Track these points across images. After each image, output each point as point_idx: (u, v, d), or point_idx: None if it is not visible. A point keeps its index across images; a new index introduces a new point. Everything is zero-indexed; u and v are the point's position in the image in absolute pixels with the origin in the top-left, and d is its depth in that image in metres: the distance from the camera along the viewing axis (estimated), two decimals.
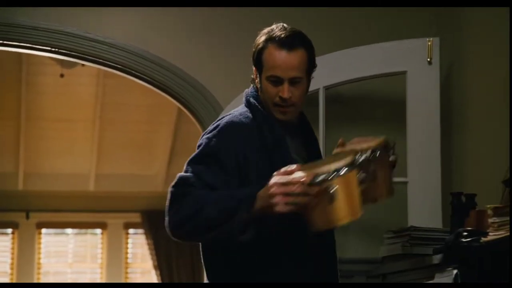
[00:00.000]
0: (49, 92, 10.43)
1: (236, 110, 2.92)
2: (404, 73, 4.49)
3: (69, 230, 12.34)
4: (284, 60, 2.81)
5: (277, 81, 2.82)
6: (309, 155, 2.92)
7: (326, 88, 4.59)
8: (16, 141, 10.92)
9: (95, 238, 12.35)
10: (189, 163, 2.79)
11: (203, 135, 2.90)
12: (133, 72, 4.93)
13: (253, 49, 2.88)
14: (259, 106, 2.86)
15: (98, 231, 12.29)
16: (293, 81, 2.80)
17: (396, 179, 4.44)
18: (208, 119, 4.71)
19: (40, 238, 12.06)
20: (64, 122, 10.86)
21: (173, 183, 2.74)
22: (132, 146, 11.16)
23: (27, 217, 11.82)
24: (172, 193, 2.71)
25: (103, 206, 11.89)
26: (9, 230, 11.96)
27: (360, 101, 4.87)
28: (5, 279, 11.82)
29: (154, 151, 11.33)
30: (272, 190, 2.54)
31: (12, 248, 11.92)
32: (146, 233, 11.98)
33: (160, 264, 11.77)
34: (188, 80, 4.87)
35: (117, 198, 11.88)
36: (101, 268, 12.18)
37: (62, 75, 9.83)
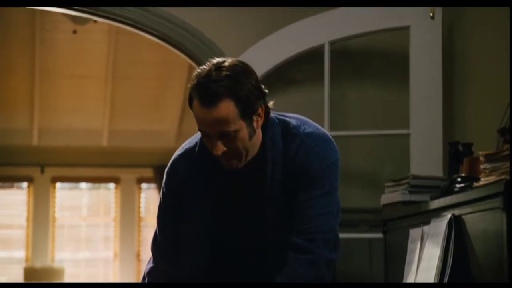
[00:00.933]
0: (62, 49, 10.53)
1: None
2: (407, 28, 4.60)
3: (83, 185, 12.51)
4: (206, 116, 2.52)
5: (208, 136, 2.57)
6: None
7: (331, 42, 4.70)
8: (30, 97, 11.04)
9: (108, 193, 12.52)
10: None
11: None
12: (145, 28, 5.02)
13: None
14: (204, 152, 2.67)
15: (112, 185, 12.46)
16: (224, 134, 2.53)
17: (399, 131, 4.63)
18: None
19: (54, 192, 12.24)
20: (77, 78, 10.97)
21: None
22: (144, 103, 11.26)
23: (42, 171, 11.99)
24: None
25: (116, 161, 12.05)
26: (25, 184, 12.15)
27: (365, 55, 4.97)
28: (21, 232, 12.03)
29: (165, 108, 11.43)
30: None
31: (28, 202, 12.11)
32: (158, 188, 12.14)
33: None
34: (199, 36, 4.98)
35: (129, 154, 12.03)
36: (115, 221, 12.37)
37: (75, 32, 9.93)
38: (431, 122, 4.49)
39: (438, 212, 3.14)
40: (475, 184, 2.90)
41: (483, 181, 2.84)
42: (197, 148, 2.73)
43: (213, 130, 2.53)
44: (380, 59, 4.98)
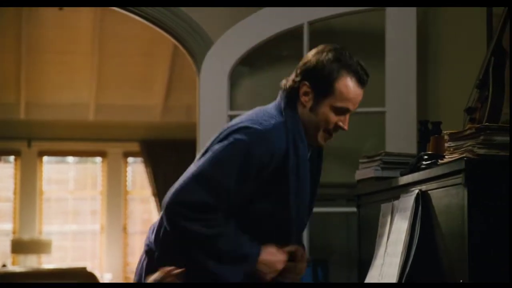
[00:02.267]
0: (48, 25, 10.57)
1: (270, 116, 2.96)
2: (383, 9, 4.74)
3: (70, 158, 12.59)
4: (357, 95, 2.99)
5: (343, 112, 2.98)
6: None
7: (310, 23, 4.84)
8: (17, 72, 11.09)
9: (95, 166, 12.62)
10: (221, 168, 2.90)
11: (234, 131, 2.94)
12: (129, 8, 5.14)
13: (318, 69, 2.93)
14: (296, 129, 2.96)
15: (98, 159, 12.54)
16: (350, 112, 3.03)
17: (374, 109, 4.79)
18: (200, 53, 4.97)
19: (41, 166, 12.32)
20: (63, 54, 11.01)
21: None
22: (131, 78, 11.32)
23: (29, 145, 12.06)
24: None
25: (102, 135, 12.12)
26: (12, 158, 12.22)
27: (343, 35, 5.11)
28: (9, 205, 12.13)
29: (152, 83, 11.50)
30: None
31: (15, 175, 12.19)
32: (145, 162, 12.25)
33: (159, 192, 12.06)
34: (181, 16, 5.10)
35: (116, 128, 12.10)
36: (101, 195, 12.48)
37: (61, 8, 9.97)
38: (406, 101, 4.66)
39: (406, 187, 3.29)
40: (440, 161, 3.06)
41: (447, 158, 3.00)
42: (293, 128, 2.97)
43: (354, 108, 2.99)
44: (358, 39, 5.11)
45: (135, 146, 12.16)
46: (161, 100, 11.58)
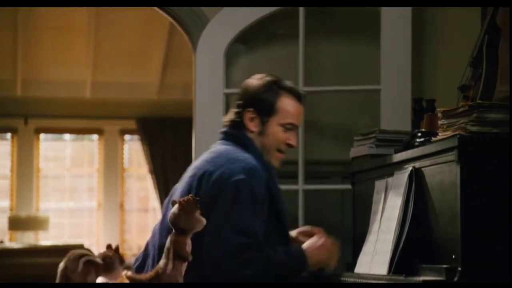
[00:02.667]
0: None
1: (237, 151, 3.14)
2: None
3: (66, 136, 12.61)
4: (299, 111, 3.22)
5: (291, 128, 3.19)
6: None
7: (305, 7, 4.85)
8: (14, 49, 11.08)
9: (92, 144, 12.64)
10: (241, 209, 2.99)
11: (231, 177, 3.04)
12: None
13: (260, 93, 3.18)
14: (260, 153, 3.17)
15: (95, 137, 12.56)
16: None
17: (369, 87, 4.81)
18: (196, 31, 4.98)
19: (38, 143, 12.34)
20: (60, 31, 11.00)
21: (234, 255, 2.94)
22: (128, 55, 11.32)
23: (26, 122, 12.08)
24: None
25: (99, 112, 12.14)
26: (8, 135, 12.24)
27: (338, 13, 5.12)
28: (5, 182, 12.16)
29: (149, 60, 11.50)
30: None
31: (12, 153, 12.21)
32: (141, 139, 12.27)
33: (156, 169, 12.10)
34: None
35: (112, 105, 12.11)
36: (98, 172, 12.51)
37: None
38: (401, 79, 4.68)
39: (400, 164, 3.33)
40: (433, 139, 3.09)
41: (440, 136, 3.03)
42: (260, 157, 3.18)
43: (298, 122, 3.22)
44: (353, 17, 5.13)
45: (131, 124, 12.19)
46: (157, 77, 11.59)
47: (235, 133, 3.21)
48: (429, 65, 4.85)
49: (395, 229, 3.16)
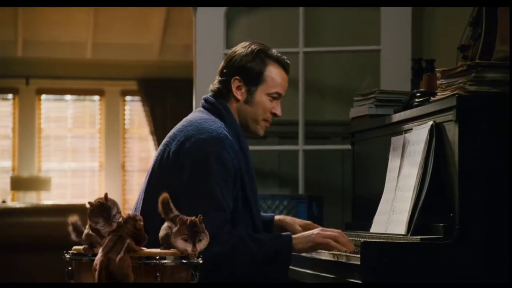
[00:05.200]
0: None
1: (211, 120, 3.11)
2: None
3: (68, 97, 12.62)
4: (285, 80, 3.21)
5: (277, 98, 3.19)
6: None
7: None
8: (15, 10, 11.05)
9: (93, 105, 12.65)
10: (214, 183, 2.97)
11: (200, 147, 3.03)
12: None
13: (247, 62, 3.16)
14: (235, 122, 3.16)
15: (96, 97, 12.57)
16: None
17: (369, 47, 4.82)
18: None
19: (40, 104, 12.35)
20: None
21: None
22: (128, 16, 11.30)
23: (27, 83, 12.08)
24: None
25: (100, 73, 12.13)
26: (10, 96, 12.25)
27: None
28: (7, 142, 12.19)
29: (149, 21, 11.48)
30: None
31: (13, 113, 12.23)
32: (142, 100, 12.28)
33: (156, 130, 12.13)
34: None
35: (113, 66, 12.11)
36: (100, 133, 12.54)
37: None
38: (401, 39, 4.69)
39: (399, 124, 3.34)
40: (432, 98, 3.10)
41: (439, 95, 3.05)
42: (235, 126, 3.16)
43: (284, 92, 3.21)
44: None
45: (133, 85, 12.19)
46: (158, 38, 11.57)
47: (214, 102, 3.18)
48: (429, 25, 4.85)
49: (415, 186, 3.04)
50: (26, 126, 12.16)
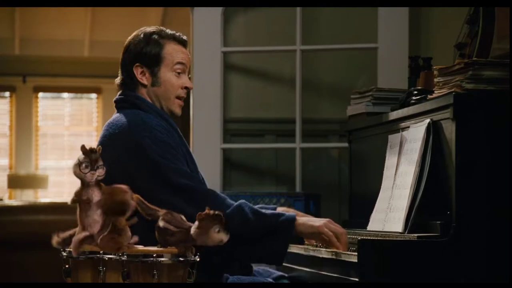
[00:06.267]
0: None
1: (127, 114, 3.16)
2: None
3: (65, 94, 12.62)
4: (185, 53, 3.22)
5: (182, 71, 3.18)
6: None
7: None
8: (12, 7, 11.06)
9: (90, 102, 12.65)
10: (165, 160, 3.00)
11: (130, 138, 3.09)
12: None
13: (143, 46, 3.18)
14: (152, 105, 3.18)
15: (93, 95, 12.57)
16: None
17: (367, 45, 4.82)
18: None
19: (37, 102, 12.35)
20: None
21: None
22: (126, 14, 11.30)
23: (24, 81, 12.08)
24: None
25: (97, 71, 12.13)
26: (7, 94, 12.26)
27: None
28: (5, 140, 12.18)
29: (146, 19, 11.48)
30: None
31: (11, 111, 12.23)
32: None
33: None
34: None
35: (111, 64, 12.00)
36: (97, 131, 12.54)
37: None
38: (398, 37, 4.69)
39: (396, 122, 3.33)
40: (429, 96, 3.10)
41: (436, 93, 3.04)
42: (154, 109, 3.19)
43: (188, 64, 3.21)
44: None
45: None
46: None
47: (123, 97, 3.24)
48: (426, 23, 4.85)
49: (412, 184, 3.04)
50: (23, 124, 12.15)
